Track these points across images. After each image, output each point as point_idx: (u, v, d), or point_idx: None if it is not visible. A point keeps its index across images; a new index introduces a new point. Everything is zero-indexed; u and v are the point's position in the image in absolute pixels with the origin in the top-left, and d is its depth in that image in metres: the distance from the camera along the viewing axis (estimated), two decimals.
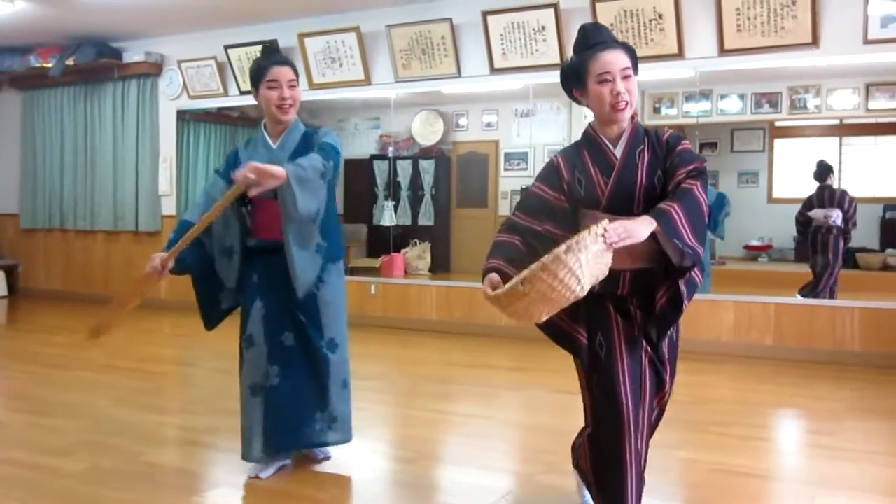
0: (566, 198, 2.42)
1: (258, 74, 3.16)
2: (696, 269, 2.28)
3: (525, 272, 2.07)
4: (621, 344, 2.40)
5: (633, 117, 2.43)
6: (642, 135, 2.44)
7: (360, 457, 3.52)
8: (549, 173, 2.46)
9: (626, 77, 2.35)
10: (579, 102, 2.46)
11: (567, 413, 4.41)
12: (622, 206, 2.36)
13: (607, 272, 2.17)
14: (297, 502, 3.00)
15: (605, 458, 2.40)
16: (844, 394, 4.77)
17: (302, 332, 3.19)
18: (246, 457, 3.19)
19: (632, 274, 2.39)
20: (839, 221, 6.63)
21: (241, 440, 3.20)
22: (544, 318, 2.22)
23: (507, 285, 2.14)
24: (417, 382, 5.12)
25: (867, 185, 7.49)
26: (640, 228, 2.15)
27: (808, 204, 6.83)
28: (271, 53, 3.25)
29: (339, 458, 3.45)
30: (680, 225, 2.21)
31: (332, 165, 3.04)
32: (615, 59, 2.35)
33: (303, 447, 3.34)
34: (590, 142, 2.47)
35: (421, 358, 5.87)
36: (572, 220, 2.39)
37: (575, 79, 2.44)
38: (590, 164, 2.43)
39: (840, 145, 7.89)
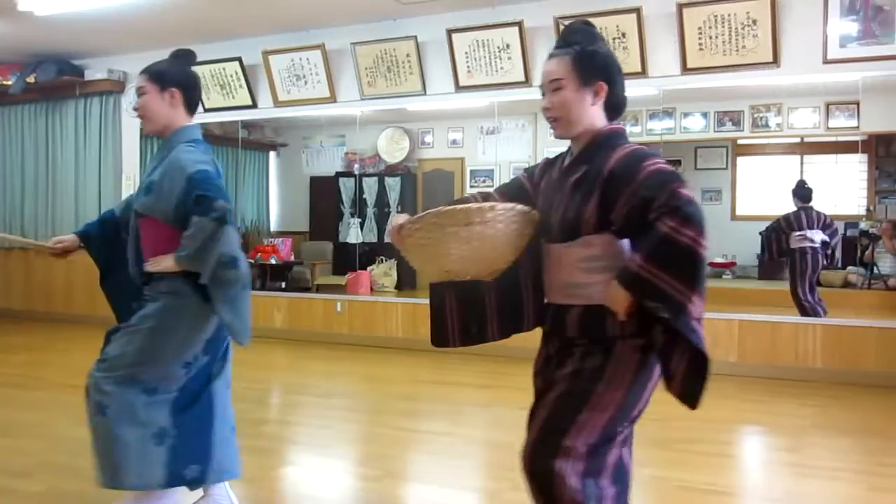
0: (532, 194, 2.21)
1: None
2: (690, 310, 1.84)
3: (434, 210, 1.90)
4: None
5: (601, 135, 2.07)
6: (593, 154, 2.04)
7: (325, 475, 3.47)
8: (534, 166, 2.30)
9: (554, 90, 2.06)
10: None
11: None
12: (543, 229, 2.10)
13: (505, 265, 2.01)
14: None
15: None
16: (807, 410, 4.81)
17: None
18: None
19: (582, 310, 2.04)
20: (818, 242, 6.61)
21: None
22: (426, 269, 2.05)
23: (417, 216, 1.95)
24: (383, 400, 5.08)
25: (828, 203, 7.59)
26: (613, 297, 1.92)
27: (789, 224, 6.68)
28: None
29: (304, 478, 3.40)
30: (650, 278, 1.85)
31: (219, 211, 2.60)
32: (548, 70, 2.09)
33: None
34: (566, 151, 2.19)
35: (387, 375, 5.83)
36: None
37: None
38: (551, 173, 2.19)
39: (801, 163, 8.00)
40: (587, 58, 2.05)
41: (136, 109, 2.85)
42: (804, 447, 4.09)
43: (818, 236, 6.55)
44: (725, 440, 4.19)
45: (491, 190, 2.29)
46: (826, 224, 6.60)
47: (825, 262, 6.60)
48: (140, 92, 2.81)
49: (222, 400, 2.89)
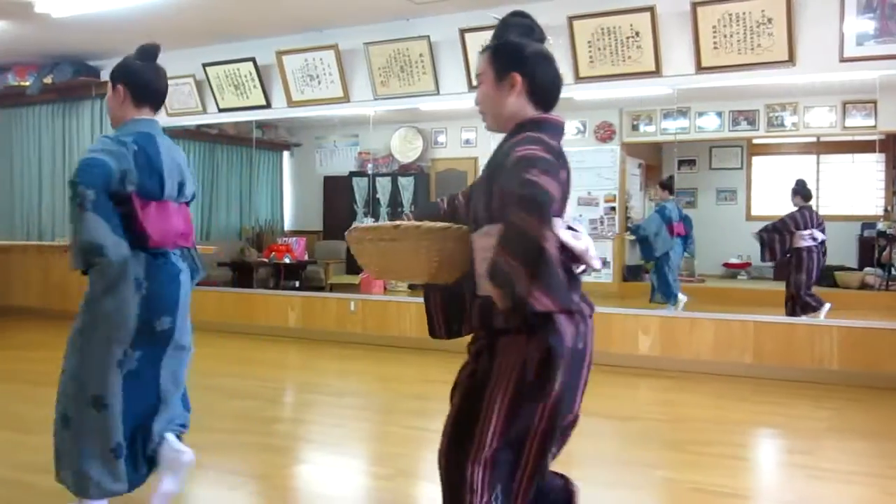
0: None
1: None
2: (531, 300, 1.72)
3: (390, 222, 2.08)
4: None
5: (518, 125, 2.00)
6: (505, 147, 1.98)
7: (337, 474, 3.47)
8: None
9: (479, 84, 2.07)
10: None
11: None
12: (473, 222, 2.06)
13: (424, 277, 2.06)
14: None
15: None
16: (823, 413, 4.76)
17: None
18: None
19: (481, 301, 1.98)
20: (819, 241, 6.65)
21: None
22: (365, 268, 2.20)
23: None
24: (395, 399, 5.08)
25: (844, 204, 7.53)
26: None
27: (796, 224, 6.72)
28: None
29: (316, 476, 3.40)
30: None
31: (79, 196, 2.55)
32: (478, 66, 2.09)
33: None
34: None
35: (399, 375, 5.83)
36: None
37: None
38: None
39: (818, 163, 7.95)
40: (500, 51, 2.03)
41: None
42: (819, 450, 4.05)
43: (820, 235, 6.60)
44: (739, 442, 4.16)
45: (459, 192, 2.28)
46: (820, 223, 6.66)
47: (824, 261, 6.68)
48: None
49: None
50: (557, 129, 2.02)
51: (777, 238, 6.76)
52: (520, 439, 1.96)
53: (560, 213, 1.90)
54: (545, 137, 1.93)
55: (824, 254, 6.64)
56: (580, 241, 1.93)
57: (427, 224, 2.05)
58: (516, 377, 1.89)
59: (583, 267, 1.97)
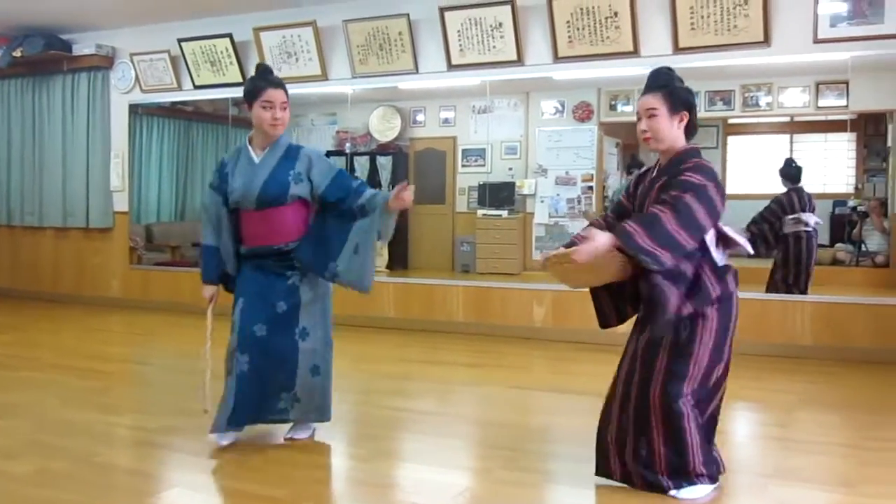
0: (630, 207, 3.11)
1: (254, 93, 3.46)
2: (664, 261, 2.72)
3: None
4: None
5: (681, 150, 2.98)
6: (673, 167, 2.95)
7: (316, 455, 3.49)
8: (628, 183, 3.18)
9: (651, 116, 2.93)
10: None
11: (523, 409, 4.44)
12: None
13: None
14: (254, 501, 2.96)
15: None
16: (797, 386, 4.85)
17: (277, 322, 3.48)
18: (214, 428, 3.46)
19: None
20: (812, 226, 6.40)
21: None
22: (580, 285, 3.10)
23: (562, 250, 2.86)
24: (374, 380, 5.10)
25: (817, 182, 7.63)
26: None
27: (783, 208, 6.51)
28: (267, 73, 3.56)
29: (295, 456, 3.42)
30: None
31: None
32: (644, 101, 2.99)
33: (263, 422, 3.58)
34: (655, 165, 3.08)
35: (378, 355, 5.85)
36: None
37: None
38: (644, 183, 3.07)
39: (791, 142, 8.03)
40: (675, 93, 2.91)
41: (276, 120, 3.49)
42: (794, 423, 4.13)
43: (812, 219, 6.41)
44: None
45: (607, 212, 3.31)
46: (811, 206, 6.47)
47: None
48: (284, 106, 3.51)
49: None
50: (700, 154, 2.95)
51: (767, 228, 6.53)
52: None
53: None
54: (706, 164, 2.90)
55: (816, 237, 6.39)
56: (736, 234, 2.95)
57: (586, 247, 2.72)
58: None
59: (735, 250, 2.97)
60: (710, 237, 2.86)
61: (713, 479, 2.91)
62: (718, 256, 2.90)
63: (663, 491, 2.85)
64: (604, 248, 2.69)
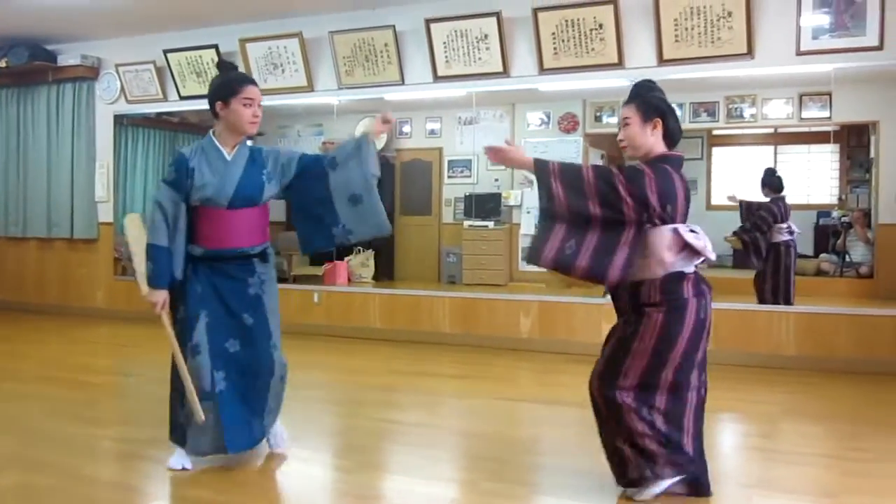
0: None
1: (231, 89, 3.30)
2: None
3: None
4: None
5: (653, 159, 3.01)
6: None
7: (302, 467, 3.47)
8: None
9: (626, 125, 3.03)
10: None
11: (509, 420, 4.43)
12: None
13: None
14: None
15: None
16: (779, 397, 4.88)
17: (248, 335, 3.35)
18: (194, 450, 3.33)
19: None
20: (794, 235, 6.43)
21: (187, 434, 3.31)
22: None
23: None
24: (360, 391, 5.08)
25: (801, 193, 7.68)
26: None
27: (773, 217, 6.50)
28: (235, 69, 3.47)
29: (280, 469, 3.40)
30: None
31: None
32: (624, 112, 3.07)
33: (256, 445, 3.46)
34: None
35: (364, 366, 5.83)
36: None
37: None
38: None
39: (775, 153, 8.08)
40: (648, 102, 2.99)
41: (256, 117, 3.38)
42: (777, 433, 4.15)
43: (794, 228, 6.46)
44: None
45: None
46: (789, 215, 6.49)
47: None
48: (260, 104, 3.40)
49: None
50: (678, 161, 2.99)
51: (759, 236, 6.52)
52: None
53: (683, 220, 2.92)
54: (668, 167, 2.90)
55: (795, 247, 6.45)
56: (699, 240, 2.90)
57: None
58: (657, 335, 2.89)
59: (702, 259, 2.97)
60: (664, 240, 2.89)
61: (679, 468, 2.95)
62: (671, 260, 2.91)
63: (647, 482, 2.91)
64: (519, 163, 3.07)
